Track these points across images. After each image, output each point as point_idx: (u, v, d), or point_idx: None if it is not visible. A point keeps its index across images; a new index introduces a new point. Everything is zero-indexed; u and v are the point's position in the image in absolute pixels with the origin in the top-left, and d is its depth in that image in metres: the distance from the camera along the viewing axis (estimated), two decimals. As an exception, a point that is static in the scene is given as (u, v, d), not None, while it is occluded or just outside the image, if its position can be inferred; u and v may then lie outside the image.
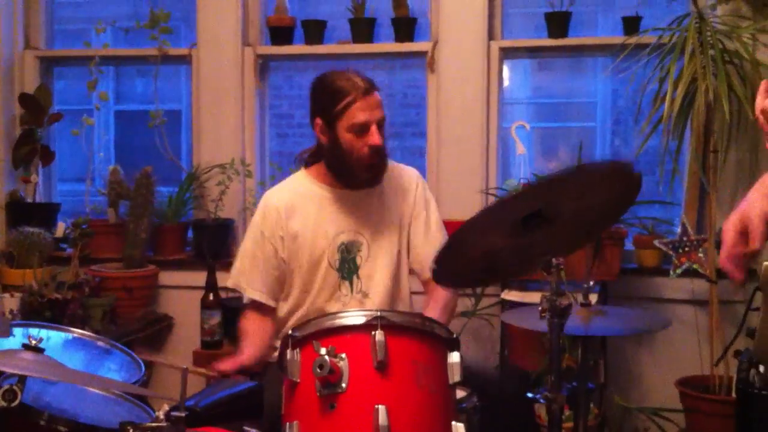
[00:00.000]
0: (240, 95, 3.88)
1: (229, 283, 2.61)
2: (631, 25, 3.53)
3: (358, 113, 2.37)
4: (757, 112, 1.20)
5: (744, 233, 1.39)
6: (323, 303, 2.51)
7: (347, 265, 2.51)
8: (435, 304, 2.52)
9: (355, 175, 2.46)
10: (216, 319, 3.51)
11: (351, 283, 2.51)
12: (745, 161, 3.32)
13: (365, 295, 2.51)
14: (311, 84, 2.51)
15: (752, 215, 1.39)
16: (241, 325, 2.56)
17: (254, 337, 2.47)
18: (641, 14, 3.54)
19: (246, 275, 2.55)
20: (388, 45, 3.83)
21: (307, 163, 2.62)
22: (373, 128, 2.39)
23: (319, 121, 2.45)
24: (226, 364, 2.32)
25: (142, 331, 3.60)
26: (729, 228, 1.42)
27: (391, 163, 2.62)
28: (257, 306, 2.55)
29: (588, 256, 3.18)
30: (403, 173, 2.63)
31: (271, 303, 2.55)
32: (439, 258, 1.88)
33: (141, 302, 3.75)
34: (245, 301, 2.63)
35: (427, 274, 2.57)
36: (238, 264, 2.59)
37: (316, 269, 2.50)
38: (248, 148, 3.91)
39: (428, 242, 2.58)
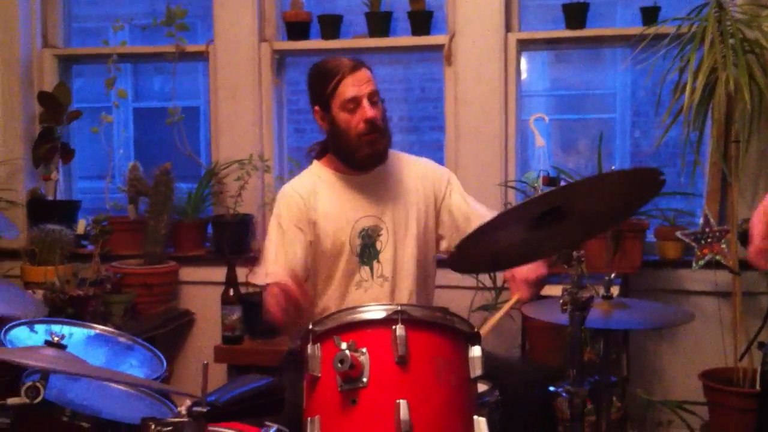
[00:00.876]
0: (257, 91, 3.88)
1: (263, 280, 2.47)
2: (650, 15, 3.50)
3: (347, 89, 2.43)
4: None
5: None
6: (345, 289, 2.52)
7: (368, 251, 2.53)
8: None
9: (357, 154, 2.48)
10: (236, 314, 3.52)
11: (371, 268, 2.52)
12: (767, 151, 3.28)
13: (386, 279, 2.52)
14: (307, 76, 2.57)
15: None
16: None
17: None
18: (660, 4, 3.51)
19: (281, 266, 2.47)
20: (404, 39, 3.82)
21: (319, 155, 2.65)
22: (365, 102, 2.43)
23: (317, 108, 2.52)
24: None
25: (163, 327, 3.61)
26: (756, 222, 1.41)
27: (407, 156, 2.68)
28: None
29: (609, 249, 3.17)
30: (420, 162, 2.68)
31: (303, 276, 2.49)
32: (459, 247, 1.87)
33: (161, 298, 3.76)
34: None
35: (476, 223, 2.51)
36: (272, 257, 2.50)
37: (339, 255, 2.52)
38: (266, 143, 3.91)
39: (471, 211, 2.59)
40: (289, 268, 2.45)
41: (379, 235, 2.53)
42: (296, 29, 3.89)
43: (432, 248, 2.63)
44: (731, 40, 3.08)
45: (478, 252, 1.92)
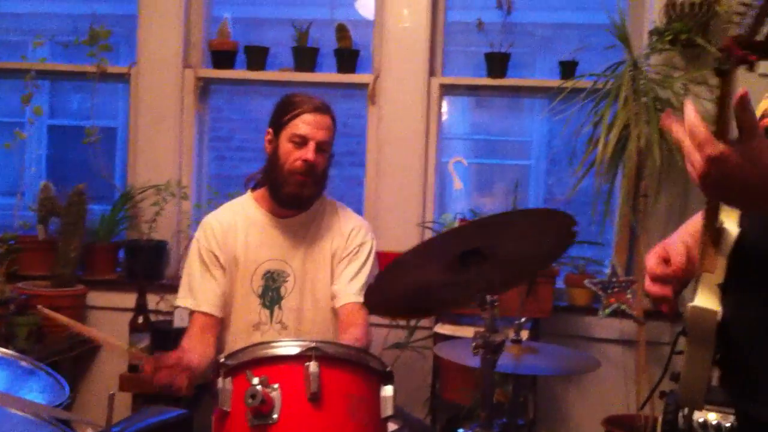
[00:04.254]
0: (179, 116, 3.85)
1: (178, 302, 2.56)
2: (568, 69, 3.63)
3: (302, 125, 2.43)
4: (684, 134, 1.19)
5: (666, 260, 1.43)
6: (242, 327, 2.49)
7: (270, 294, 2.50)
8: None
9: (283, 188, 2.46)
10: (145, 342, 3.44)
11: (271, 313, 2.49)
12: (674, 206, 3.41)
13: (284, 326, 2.49)
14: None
15: (674, 242, 1.44)
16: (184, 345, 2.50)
17: (199, 356, 2.38)
18: (578, 59, 3.64)
19: (195, 292, 2.51)
20: (330, 75, 3.86)
21: (254, 187, 2.64)
22: (312, 145, 2.43)
23: (270, 130, 2.51)
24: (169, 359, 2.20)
25: (68, 351, 3.50)
26: (651, 255, 1.46)
27: (343, 209, 2.64)
28: (200, 326, 2.50)
29: (521, 293, 3.23)
30: (351, 220, 2.61)
31: (219, 314, 2.50)
32: (372, 286, 1.89)
33: (67, 322, 3.65)
34: (177, 324, 2.60)
35: (337, 304, 2.50)
36: (185, 283, 2.54)
37: (238, 292, 2.50)
38: (185, 169, 3.87)
39: (346, 278, 2.52)
40: (215, 299, 2.48)
41: (284, 281, 2.50)
42: (222, 58, 3.88)
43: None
44: (644, 99, 3.21)
45: (395, 293, 1.94)
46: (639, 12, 3.63)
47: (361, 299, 2.39)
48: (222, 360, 1.81)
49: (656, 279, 1.42)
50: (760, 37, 1.09)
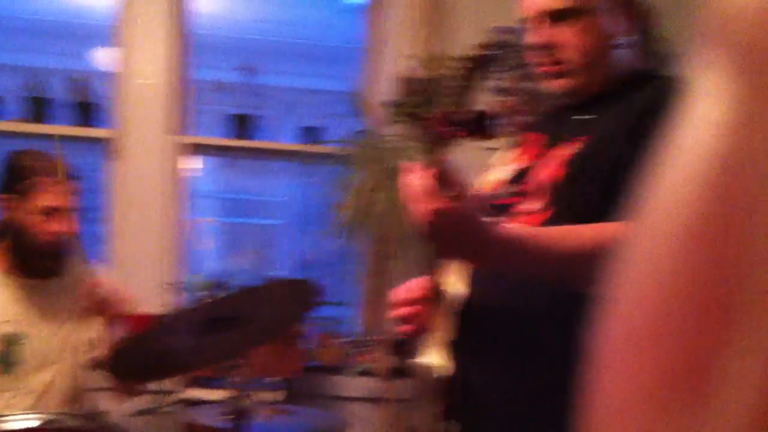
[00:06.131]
0: None
1: None
2: (312, 134, 3.72)
3: (49, 195, 2.27)
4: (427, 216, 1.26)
5: (410, 289, 1.48)
6: None
7: (10, 357, 2.29)
8: None
9: (36, 260, 2.31)
10: None
11: (14, 377, 2.29)
12: (418, 268, 3.56)
13: (31, 390, 2.29)
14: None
15: (418, 280, 1.49)
16: None
17: None
18: (325, 124, 3.74)
19: None
20: (66, 128, 3.65)
21: None
22: (64, 213, 2.29)
23: (4, 197, 2.30)
24: None
25: None
26: (395, 290, 1.51)
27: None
28: None
29: (273, 354, 3.21)
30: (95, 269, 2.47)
31: None
32: (115, 353, 1.80)
33: None
34: None
35: None
36: None
37: None
38: None
39: None
40: None
41: (24, 342, 2.31)
42: (-56, 105, 3.56)
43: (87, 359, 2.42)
44: (384, 165, 3.35)
45: (140, 360, 1.85)
46: (376, 84, 3.80)
47: None
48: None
49: (401, 303, 1.48)
50: (466, 115, 1.19)
